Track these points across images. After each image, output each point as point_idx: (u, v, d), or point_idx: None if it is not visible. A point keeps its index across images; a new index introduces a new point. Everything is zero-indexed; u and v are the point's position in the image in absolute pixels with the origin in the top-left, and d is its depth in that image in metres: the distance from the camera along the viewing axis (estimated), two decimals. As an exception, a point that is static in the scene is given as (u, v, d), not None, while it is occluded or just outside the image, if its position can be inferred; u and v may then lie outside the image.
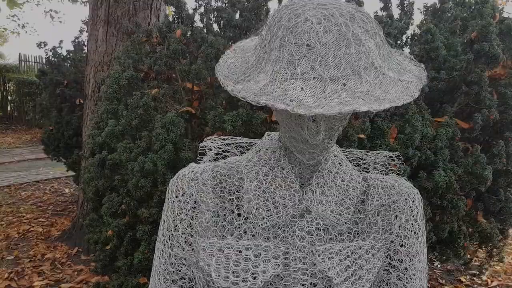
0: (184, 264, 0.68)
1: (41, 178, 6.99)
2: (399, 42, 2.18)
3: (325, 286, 0.63)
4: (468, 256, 2.29)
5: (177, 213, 0.67)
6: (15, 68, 12.14)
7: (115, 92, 2.08)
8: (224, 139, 0.77)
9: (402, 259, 0.68)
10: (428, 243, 1.90)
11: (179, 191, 0.68)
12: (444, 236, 1.92)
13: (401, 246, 0.68)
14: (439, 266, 3.87)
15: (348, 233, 0.67)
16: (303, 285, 0.63)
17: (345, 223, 0.65)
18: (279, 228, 0.65)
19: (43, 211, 5.09)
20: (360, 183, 0.69)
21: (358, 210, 0.69)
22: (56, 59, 4.58)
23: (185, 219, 0.67)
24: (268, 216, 0.64)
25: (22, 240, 4.08)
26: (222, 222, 0.66)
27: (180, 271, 0.69)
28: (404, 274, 0.68)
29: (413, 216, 0.68)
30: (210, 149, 0.75)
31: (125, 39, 2.48)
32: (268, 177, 0.65)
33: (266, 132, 0.71)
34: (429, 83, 2.00)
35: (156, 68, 2.22)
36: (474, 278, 3.61)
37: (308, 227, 0.64)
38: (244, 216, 0.66)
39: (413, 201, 0.69)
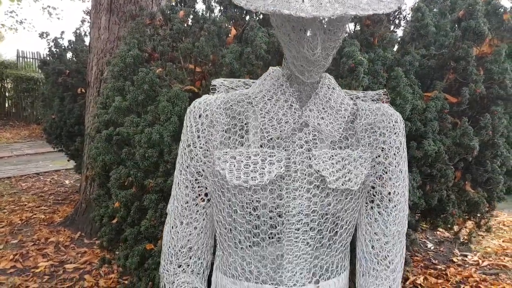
0: (201, 174, 0.80)
1: (41, 170, 7.07)
2: (391, 19, 2.30)
3: (320, 185, 0.75)
4: (457, 226, 2.41)
5: (195, 132, 0.78)
6: (12, 65, 12.19)
7: (121, 70, 2.18)
8: (232, 80, 0.89)
9: (386, 170, 0.80)
10: (419, 210, 2.01)
11: (196, 114, 0.79)
12: (434, 203, 2.03)
13: (385, 159, 0.79)
14: (432, 247, 4.00)
15: (340, 144, 0.78)
16: (301, 182, 0.74)
17: (337, 135, 0.77)
18: (281, 139, 0.77)
19: (45, 200, 5.17)
20: (350, 106, 0.81)
21: (349, 128, 0.81)
22: (57, 50, 4.67)
23: (202, 136, 0.78)
24: (273, 130, 0.76)
25: (25, 226, 4.17)
26: (233, 137, 0.78)
27: (198, 180, 0.80)
28: (388, 182, 0.79)
29: (395, 133, 0.79)
30: (221, 86, 0.86)
31: (129, 22, 2.58)
32: (272, 99, 0.77)
33: (270, 67, 0.82)
34: (419, 60, 2.11)
35: (160, 49, 2.32)
36: (466, 259, 3.74)
37: (306, 137, 0.76)
38: (252, 131, 0.77)
39: (395, 121, 0.80)
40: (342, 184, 0.74)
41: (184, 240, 0.81)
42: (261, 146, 0.76)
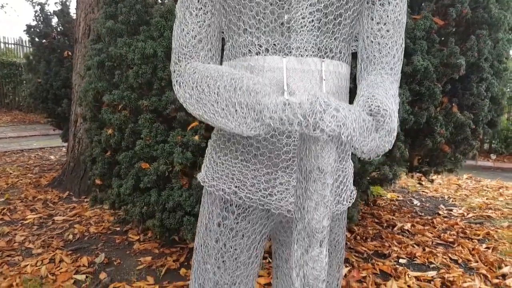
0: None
1: (26, 148, 6.96)
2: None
3: None
4: (443, 156, 2.47)
5: None
6: (-7, 50, 11.94)
7: (114, -5, 2.18)
8: None
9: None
10: (408, 127, 2.06)
11: None
12: (423, 122, 2.09)
13: None
14: (418, 204, 4.09)
15: None
16: None
17: None
18: None
19: (30, 170, 5.10)
20: None
21: None
22: (43, 15, 4.61)
23: None
24: None
25: (11, 188, 4.11)
26: None
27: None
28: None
29: None
30: None
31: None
32: None
33: None
34: (408, -15, 2.16)
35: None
36: (451, 212, 3.84)
37: None
38: None
39: None
40: None
41: (194, 31, 0.82)
42: None
